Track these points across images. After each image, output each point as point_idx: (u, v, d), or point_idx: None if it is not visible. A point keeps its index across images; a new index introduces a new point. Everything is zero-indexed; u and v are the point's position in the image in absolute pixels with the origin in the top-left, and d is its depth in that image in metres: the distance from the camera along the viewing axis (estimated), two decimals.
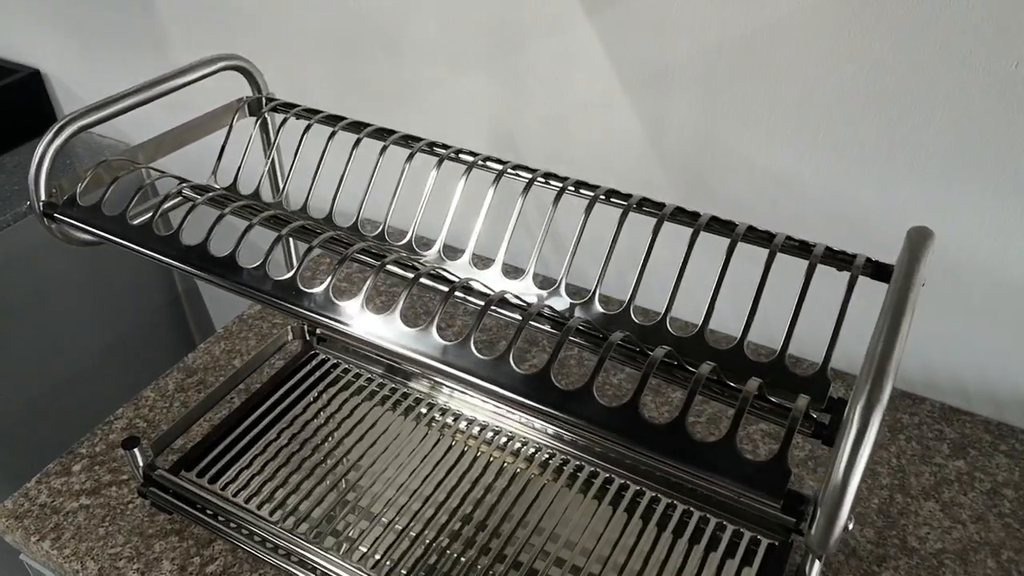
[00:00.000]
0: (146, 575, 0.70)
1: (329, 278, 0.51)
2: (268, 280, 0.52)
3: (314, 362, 0.86)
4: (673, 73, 0.83)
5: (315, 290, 0.51)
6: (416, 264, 0.53)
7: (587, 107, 0.90)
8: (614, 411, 0.42)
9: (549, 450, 0.77)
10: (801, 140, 0.80)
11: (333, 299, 0.50)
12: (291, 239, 0.55)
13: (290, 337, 0.88)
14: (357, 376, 0.85)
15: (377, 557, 0.69)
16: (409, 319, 0.52)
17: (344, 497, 0.73)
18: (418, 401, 0.82)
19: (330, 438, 0.78)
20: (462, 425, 0.80)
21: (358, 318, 0.49)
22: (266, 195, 0.69)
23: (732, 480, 0.38)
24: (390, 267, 0.53)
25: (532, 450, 0.77)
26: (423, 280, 0.52)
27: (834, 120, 0.77)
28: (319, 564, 0.66)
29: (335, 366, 0.86)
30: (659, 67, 0.83)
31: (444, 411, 0.81)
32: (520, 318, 0.48)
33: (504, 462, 0.76)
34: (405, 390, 0.83)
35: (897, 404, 0.86)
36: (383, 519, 0.71)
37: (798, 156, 0.81)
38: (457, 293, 0.50)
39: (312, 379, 0.84)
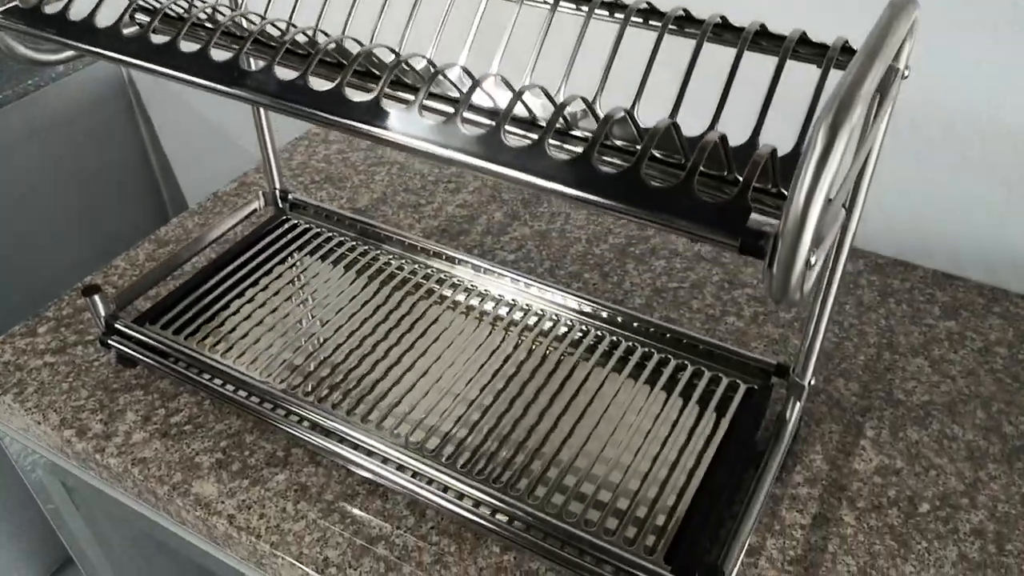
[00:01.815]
0: (109, 425, 0.69)
1: (340, 78, 0.46)
2: (273, 80, 0.47)
3: (285, 226, 0.83)
4: None
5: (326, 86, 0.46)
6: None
7: None
8: (568, 164, 0.39)
9: (522, 302, 0.75)
10: None
11: (347, 95, 0.45)
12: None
13: (262, 203, 0.85)
14: (329, 240, 0.82)
15: (345, 404, 0.67)
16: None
17: (316, 353, 0.71)
18: (388, 264, 0.79)
19: (305, 301, 0.76)
20: (434, 285, 0.77)
21: (377, 115, 0.44)
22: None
23: (690, 221, 0.36)
24: (408, 64, 0.48)
25: (504, 308, 0.75)
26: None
27: None
28: (293, 408, 0.64)
29: (307, 230, 0.83)
30: None
31: (416, 272, 0.78)
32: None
33: (465, 314, 0.74)
34: (377, 253, 0.80)
35: (888, 271, 0.84)
36: (355, 371, 0.69)
37: None
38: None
39: (284, 242, 0.82)
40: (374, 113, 0.44)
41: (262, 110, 0.79)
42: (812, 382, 0.63)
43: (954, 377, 0.72)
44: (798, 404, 0.64)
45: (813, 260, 0.34)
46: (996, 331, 0.77)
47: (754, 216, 0.35)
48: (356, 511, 0.62)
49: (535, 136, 0.49)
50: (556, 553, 0.55)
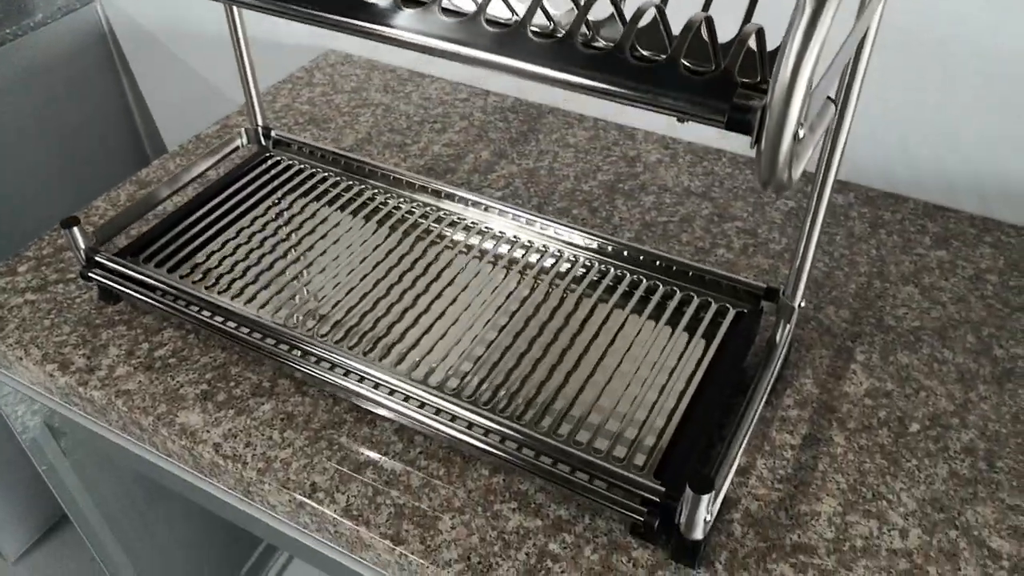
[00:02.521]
0: (92, 359, 0.68)
1: None
2: None
3: (269, 163, 0.82)
4: None
5: None
6: None
7: None
8: (550, 45, 0.38)
9: (496, 228, 0.74)
10: None
11: None
12: None
13: (244, 141, 0.84)
14: (313, 176, 0.81)
15: (332, 333, 0.66)
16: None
17: (303, 287, 0.70)
18: (373, 198, 0.78)
19: (290, 236, 0.75)
20: (420, 219, 0.76)
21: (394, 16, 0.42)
22: None
23: (676, 96, 0.35)
24: None
25: (477, 238, 0.74)
26: None
27: None
28: (279, 338, 0.64)
29: (291, 167, 0.82)
30: None
31: (400, 207, 0.77)
32: None
33: (451, 246, 0.73)
34: (363, 187, 0.79)
35: (878, 203, 0.83)
36: (342, 302, 0.68)
37: None
38: None
39: (267, 178, 0.80)
40: (391, 16, 0.42)
41: (243, 44, 0.77)
42: (802, 304, 0.63)
43: (944, 304, 0.72)
44: (788, 327, 0.63)
45: (801, 134, 0.33)
46: (987, 259, 0.76)
47: (741, 91, 0.34)
48: (343, 439, 0.61)
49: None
50: (547, 470, 0.54)
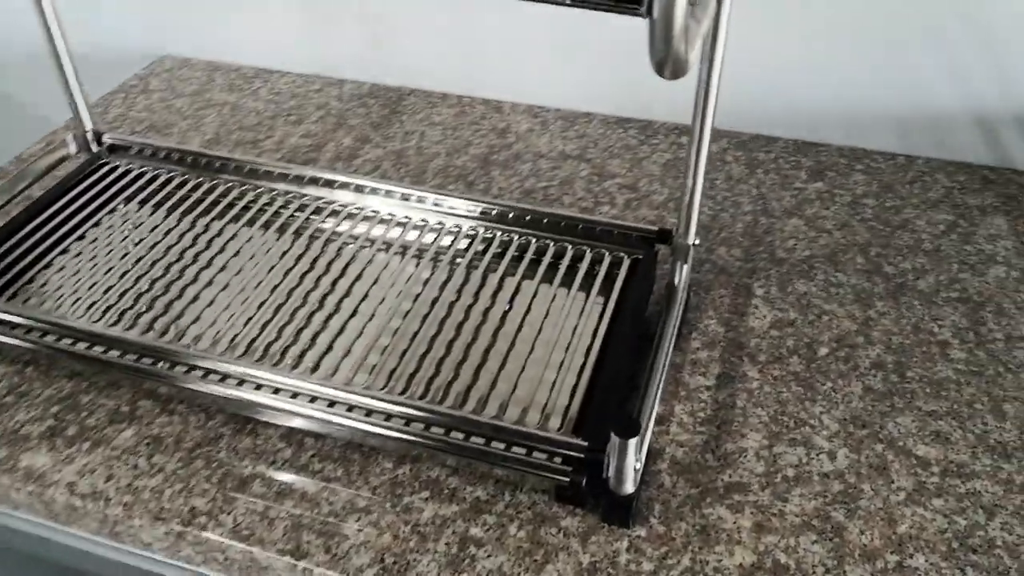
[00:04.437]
0: None
1: None
2: None
3: (104, 170, 0.73)
4: None
5: None
6: None
7: None
8: None
9: (341, 201, 0.68)
10: None
11: None
12: None
13: (73, 148, 0.74)
14: (156, 178, 0.72)
15: (204, 343, 0.58)
16: None
17: (160, 296, 0.62)
18: (228, 191, 0.71)
19: (140, 245, 0.66)
20: (281, 208, 0.69)
21: None
22: None
23: None
24: None
25: (347, 222, 0.68)
26: None
27: None
28: (139, 347, 0.56)
29: (129, 171, 0.73)
30: None
31: (263, 199, 0.70)
32: None
33: (318, 235, 0.67)
34: (217, 183, 0.72)
35: (751, 145, 0.83)
36: (214, 310, 0.61)
37: None
38: None
39: (105, 185, 0.71)
40: None
41: (57, 36, 0.68)
42: (696, 243, 0.60)
43: (830, 231, 0.72)
44: (685, 267, 0.61)
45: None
46: (861, 185, 0.77)
47: None
48: (223, 455, 0.54)
49: None
50: (459, 445, 0.49)
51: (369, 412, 0.52)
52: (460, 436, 0.50)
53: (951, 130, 0.78)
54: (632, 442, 0.44)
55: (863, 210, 0.74)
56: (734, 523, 0.50)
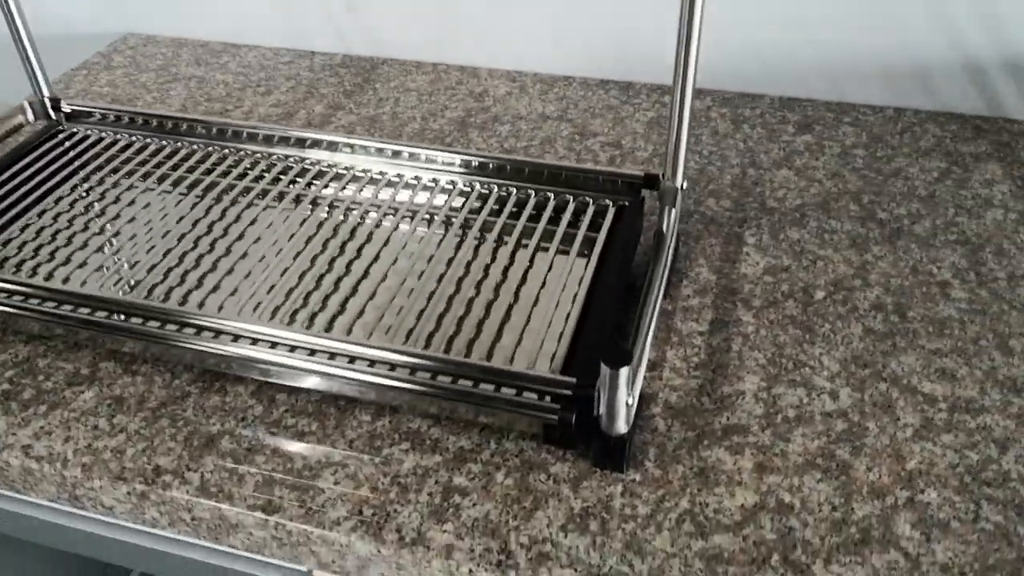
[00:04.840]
0: None
1: None
2: None
3: (62, 135, 0.70)
4: None
5: None
6: None
7: None
8: None
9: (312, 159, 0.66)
10: None
11: None
12: None
13: (30, 116, 0.71)
14: (116, 142, 0.69)
15: (164, 293, 0.55)
16: None
17: (126, 262, 0.59)
18: (193, 151, 0.68)
19: (105, 212, 0.63)
20: (248, 168, 0.66)
21: None
22: None
23: None
24: None
25: (318, 182, 0.65)
26: None
27: None
28: (101, 302, 0.52)
29: (88, 136, 0.70)
30: None
31: (232, 160, 0.67)
32: None
33: (280, 196, 0.64)
34: (178, 146, 0.68)
35: (736, 102, 0.80)
36: (175, 270, 0.58)
37: None
38: None
39: (62, 151, 0.68)
40: None
41: (14, 9, 0.65)
42: (684, 186, 0.58)
43: (820, 180, 0.69)
44: (674, 211, 0.58)
45: None
46: (850, 137, 0.75)
47: None
48: (189, 413, 0.51)
49: None
50: (446, 388, 0.46)
51: (352, 359, 0.48)
52: (447, 380, 0.47)
53: (940, 80, 0.76)
54: (623, 372, 0.41)
55: (853, 160, 0.72)
56: (734, 464, 0.47)
